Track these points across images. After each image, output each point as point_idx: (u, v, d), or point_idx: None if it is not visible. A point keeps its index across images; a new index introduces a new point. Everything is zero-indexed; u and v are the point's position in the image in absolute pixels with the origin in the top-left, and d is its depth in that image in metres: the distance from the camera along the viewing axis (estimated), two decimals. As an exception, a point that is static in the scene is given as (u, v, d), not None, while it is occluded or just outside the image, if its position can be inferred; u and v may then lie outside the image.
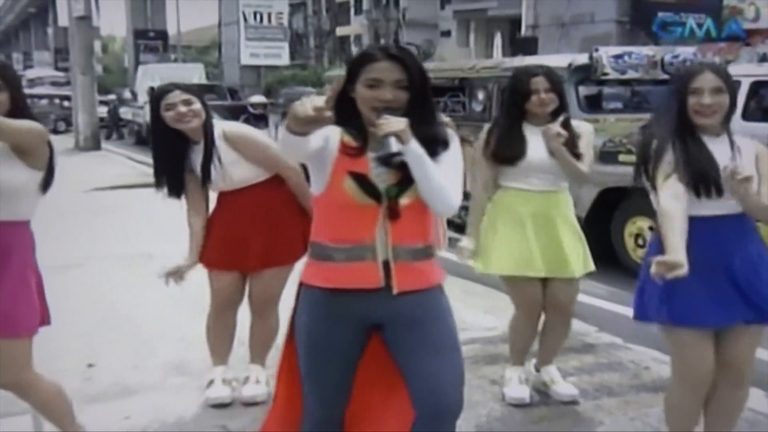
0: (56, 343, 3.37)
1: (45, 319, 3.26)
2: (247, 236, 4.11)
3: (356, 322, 2.66)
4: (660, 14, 20.21)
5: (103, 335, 5.20)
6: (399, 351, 2.69)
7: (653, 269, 2.75)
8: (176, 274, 4.09)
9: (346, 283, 2.59)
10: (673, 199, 2.99)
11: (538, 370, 4.41)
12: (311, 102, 2.32)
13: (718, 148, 3.09)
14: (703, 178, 3.04)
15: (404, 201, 2.57)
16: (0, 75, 3.08)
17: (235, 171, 4.05)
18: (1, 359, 3.08)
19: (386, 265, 2.58)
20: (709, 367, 3.16)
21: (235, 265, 4.18)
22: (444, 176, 2.56)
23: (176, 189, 4.09)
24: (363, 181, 2.56)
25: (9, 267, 3.08)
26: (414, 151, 2.48)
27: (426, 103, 2.64)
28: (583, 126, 4.19)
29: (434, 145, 2.59)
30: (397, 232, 2.58)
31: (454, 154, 2.67)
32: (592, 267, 4.25)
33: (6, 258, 3.07)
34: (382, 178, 2.57)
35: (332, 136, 2.59)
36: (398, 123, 2.46)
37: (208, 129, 4.04)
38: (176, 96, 3.94)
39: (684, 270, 2.74)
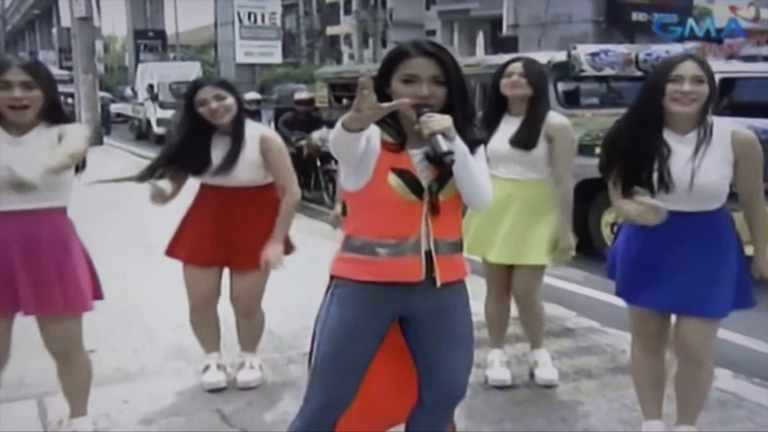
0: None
1: (100, 294, 3.41)
2: (235, 234, 4.00)
3: (391, 314, 2.62)
4: (657, 15, 20.24)
5: (105, 321, 5.09)
6: (422, 340, 2.66)
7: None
8: (160, 197, 3.93)
9: (390, 277, 2.52)
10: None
11: None
12: (366, 102, 2.24)
13: (681, 148, 3.06)
14: (636, 176, 3.07)
15: (443, 196, 2.52)
16: (32, 73, 3.07)
17: (248, 171, 3.95)
18: (63, 332, 3.26)
19: (429, 259, 2.53)
20: (661, 334, 3.32)
21: (218, 260, 4.07)
22: (482, 173, 2.54)
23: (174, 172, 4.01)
24: (408, 178, 2.50)
25: (71, 250, 3.23)
26: (460, 149, 2.42)
27: (466, 100, 2.58)
28: (555, 121, 4.01)
29: (474, 142, 2.55)
30: (438, 226, 2.54)
31: (481, 154, 2.63)
32: (526, 260, 4.07)
33: (67, 242, 3.22)
34: (424, 175, 2.51)
35: (373, 133, 2.50)
36: (444, 121, 2.39)
37: (237, 123, 3.94)
38: (208, 91, 3.86)
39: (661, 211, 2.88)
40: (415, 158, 2.51)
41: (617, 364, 4.53)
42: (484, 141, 2.62)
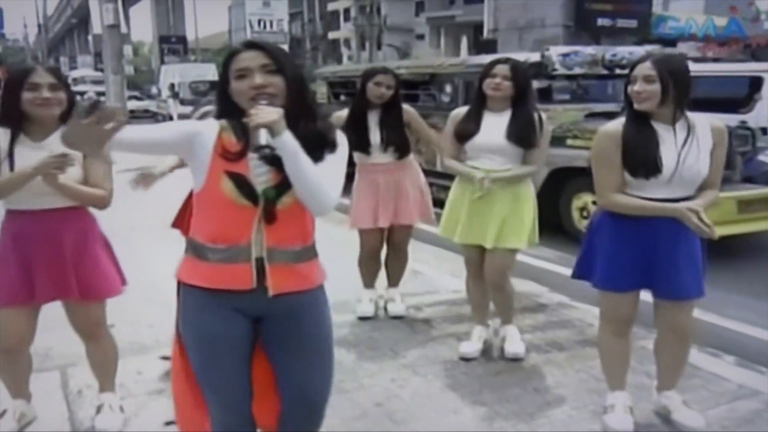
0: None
1: (124, 281, 3.33)
2: None
3: (240, 316, 2.25)
4: (659, 18, 20.04)
5: (124, 297, 5.00)
6: (271, 347, 2.34)
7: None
8: (144, 181, 3.77)
9: (221, 283, 2.18)
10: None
11: None
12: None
13: (669, 137, 2.96)
14: (641, 159, 2.95)
15: (282, 204, 2.16)
16: (57, 77, 2.96)
17: None
18: (84, 316, 3.19)
19: (261, 266, 2.18)
20: (624, 315, 3.22)
21: None
22: (322, 175, 2.13)
23: None
24: (241, 182, 2.14)
25: (94, 241, 3.14)
26: (286, 145, 2.05)
27: (303, 95, 2.21)
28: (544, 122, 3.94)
29: (317, 143, 2.17)
30: (272, 234, 2.17)
31: (338, 157, 2.23)
32: (515, 244, 3.97)
33: (86, 236, 3.11)
34: (262, 180, 2.15)
35: (206, 132, 2.18)
36: (271, 113, 2.04)
37: None
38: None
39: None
40: (253, 162, 2.15)
41: (585, 337, 4.42)
42: (326, 138, 2.21)
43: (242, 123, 2.13)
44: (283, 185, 2.14)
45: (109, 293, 3.20)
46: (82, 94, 30.90)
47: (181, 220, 3.97)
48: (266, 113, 2.04)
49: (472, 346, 4.13)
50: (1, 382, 3.31)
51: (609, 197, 3.06)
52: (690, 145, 2.95)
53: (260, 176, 2.15)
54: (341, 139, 2.27)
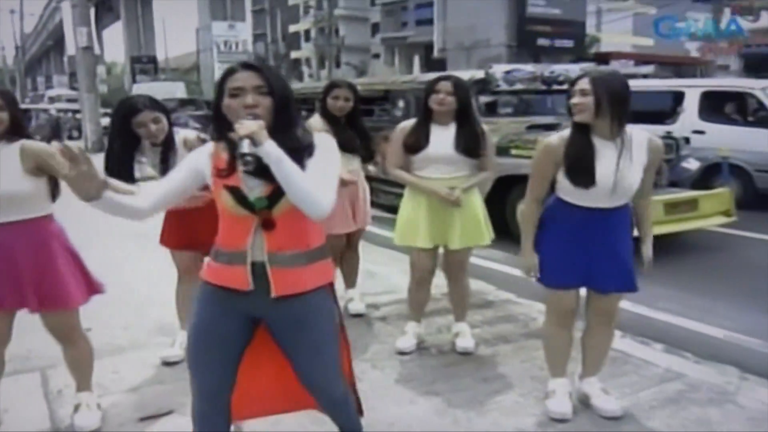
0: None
1: (96, 289, 3.24)
2: (198, 223, 3.78)
3: (240, 315, 2.32)
4: (557, 40, 20.29)
5: (101, 301, 4.94)
6: (281, 346, 2.39)
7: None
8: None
9: (223, 282, 2.28)
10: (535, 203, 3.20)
11: None
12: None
13: (607, 152, 3.00)
14: (579, 170, 3.00)
15: (278, 211, 2.19)
16: (1, 96, 2.88)
17: None
18: (60, 323, 3.14)
19: (264, 270, 2.22)
20: (569, 308, 3.26)
21: (189, 245, 3.90)
22: (311, 179, 2.13)
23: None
24: (237, 194, 2.20)
25: (51, 254, 3.02)
26: (270, 153, 2.06)
27: (286, 109, 2.22)
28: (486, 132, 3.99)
29: (298, 150, 2.18)
30: (272, 240, 2.21)
31: (324, 158, 2.23)
32: (481, 241, 4.05)
33: (47, 247, 3.01)
34: (256, 191, 2.20)
35: (200, 157, 2.28)
36: (251, 125, 2.07)
37: (169, 136, 3.72)
38: (146, 116, 3.57)
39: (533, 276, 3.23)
40: (244, 174, 2.19)
41: (529, 331, 4.48)
42: (306, 142, 2.23)
43: (230, 139, 2.16)
44: (276, 194, 2.17)
45: (69, 304, 3.08)
46: (57, 111, 30.47)
47: (164, 237, 4.03)
48: (248, 125, 2.07)
49: (407, 342, 4.15)
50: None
51: (528, 204, 3.20)
52: (624, 159, 2.99)
53: (253, 187, 2.19)
54: (327, 141, 2.30)
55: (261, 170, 2.10)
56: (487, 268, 5.76)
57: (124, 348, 4.27)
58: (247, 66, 2.22)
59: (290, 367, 2.41)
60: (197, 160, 2.29)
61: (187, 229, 3.87)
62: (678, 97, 10.12)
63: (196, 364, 2.37)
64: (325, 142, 2.29)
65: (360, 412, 2.64)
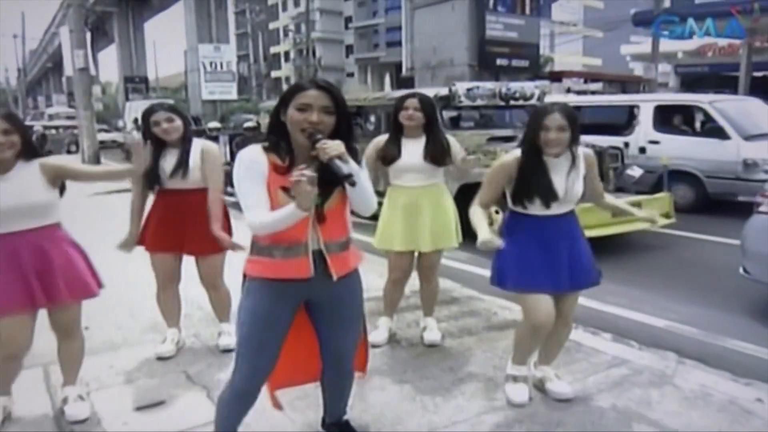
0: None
1: (99, 283, 3.25)
2: (185, 227, 3.82)
3: (293, 302, 2.43)
4: (514, 60, 20.47)
5: (95, 303, 4.89)
6: (320, 321, 2.52)
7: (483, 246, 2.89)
8: (126, 246, 3.93)
9: (285, 274, 2.34)
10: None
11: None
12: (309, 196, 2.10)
13: (558, 167, 3.06)
14: (541, 189, 3.05)
15: (328, 207, 2.32)
16: (11, 122, 2.90)
17: (195, 174, 3.78)
18: (67, 318, 3.17)
19: (322, 258, 2.34)
20: (549, 314, 3.14)
21: (173, 248, 3.90)
22: (370, 185, 2.34)
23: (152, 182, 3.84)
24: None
25: (69, 251, 3.09)
26: (354, 168, 2.19)
27: (349, 127, 2.34)
28: (451, 139, 4.00)
29: (356, 160, 2.32)
30: (326, 231, 2.34)
31: (364, 169, 2.41)
32: (450, 244, 4.07)
33: (65, 246, 3.09)
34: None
35: (257, 159, 2.28)
36: (338, 146, 2.15)
37: (186, 139, 3.81)
38: (160, 115, 3.74)
39: (497, 242, 2.91)
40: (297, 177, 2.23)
41: (491, 324, 4.51)
42: (358, 155, 2.38)
43: (288, 146, 2.27)
44: (327, 193, 2.28)
45: (93, 292, 3.17)
46: (56, 128, 30.09)
47: (143, 238, 3.96)
48: (335, 146, 2.15)
49: (381, 335, 4.15)
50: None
51: (475, 205, 3.15)
52: (573, 172, 3.07)
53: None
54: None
55: (353, 183, 2.16)
56: (453, 267, 5.81)
57: (118, 345, 4.23)
58: (318, 86, 2.25)
59: (308, 340, 2.56)
60: (259, 170, 2.27)
61: (170, 231, 3.85)
62: (634, 111, 10.18)
63: (255, 348, 2.40)
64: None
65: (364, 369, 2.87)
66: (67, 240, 3.13)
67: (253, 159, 2.28)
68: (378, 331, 4.19)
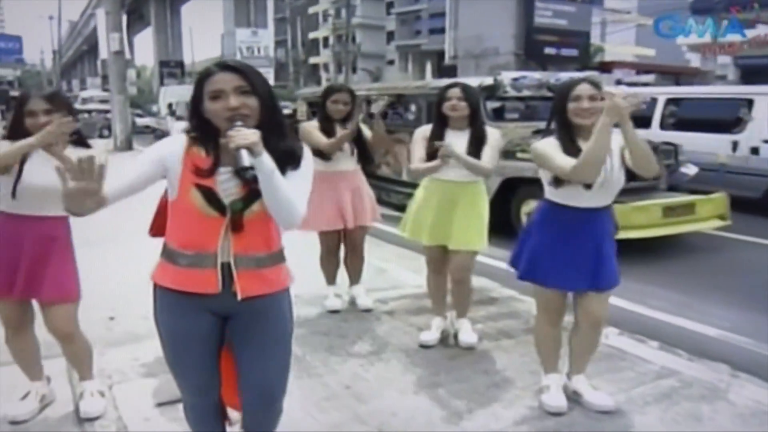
0: (88, 299, 3.21)
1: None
2: None
3: (208, 315, 2.14)
4: (563, 50, 20.16)
5: (123, 293, 4.97)
6: (235, 344, 2.21)
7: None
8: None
9: (189, 287, 2.07)
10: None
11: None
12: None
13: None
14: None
15: (249, 214, 2.05)
16: (51, 102, 2.89)
17: None
18: (62, 319, 3.07)
19: (229, 272, 2.06)
20: (559, 306, 3.23)
21: None
22: (292, 190, 1.99)
23: None
24: (209, 195, 2.02)
25: (68, 247, 3.07)
26: (266, 165, 1.91)
27: (275, 115, 2.05)
28: (491, 132, 3.90)
29: (287, 159, 2.03)
30: (239, 242, 2.05)
31: (305, 169, 2.09)
32: (477, 247, 3.98)
33: (65, 241, 3.06)
34: (230, 192, 2.03)
35: (174, 148, 2.05)
36: (250, 135, 1.89)
37: None
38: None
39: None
40: (222, 176, 2.03)
41: (530, 326, 4.39)
42: (296, 154, 2.08)
43: (214, 140, 2.03)
44: (250, 197, 2.03)
45: (73, 296, 3.08)
46: (89, 111, 30.65)
47: (156, 226, 3.93)
48: (246, 135, 1.89)
49: (431, 335, 4.11)
50: (19, 367, 3.28)
51: (571, 163, 2.87)
52: (611, 157, 2.95)
53: (227, 189, 2.04)
54: (306, 153, 2.14)
55: (254, 178, 1.93)
56: (491, 266, 5.71)
57: (143, 336, 4.23)
58: (225, 67, 2.02)
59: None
60: (166, 156, 2.05)
61: None
62: (745, 105, 9.24)
63: (177, 368, 2.23)
64: (308, 155, 2.14)
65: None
66: (69, 233, 3.11)
67: (167, 147, 2.07)
68: (429, 332, 4.14)
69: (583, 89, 2.92)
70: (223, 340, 2.23)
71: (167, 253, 2.14)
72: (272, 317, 2.18)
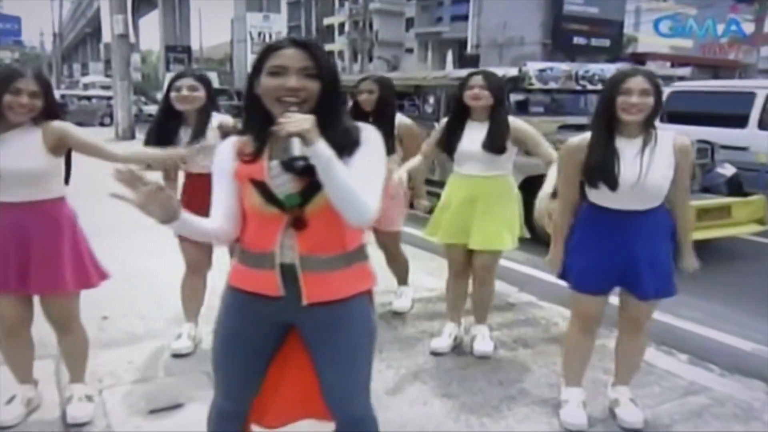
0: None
1: (102, 275, 3.20)
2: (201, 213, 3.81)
3: (269, 322, 2.09)
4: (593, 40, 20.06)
5: (120, 290, 4.97)
6: (311, 354, 2.11)
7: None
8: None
9: (252, 287, 2.03)
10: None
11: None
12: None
13: (630, 150, 2.91)
14: (600, 173, 2.91)
15: (312, 209, 1.92)
16: (40, 84, 2.89)
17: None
18: (59, 310, 3.11)
19: (293, 274, 1.98)
20: (598, 317, 3.19)
21: None
22: (358, 181, 1.85)
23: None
24: (264, 190, 1.93)
25: (60, 237, 3.00)
26: (321, 154, 1.78)
27: (335, 99, 1.95)
28: (517, 122, 3.88)
29: (346, 145, 1.90)
30: (305, 241, 1.95)
31: (371, 156, 1.94)
32: (501, 246, 3.94)
33: (56, 230, 3.00)
34: (286, 186, 1.92)
35: (222, 152, 2.04)
36: (303, 121, 1.77)
37: (203, 113, 3.80)
38: (184, 81, 3.78)
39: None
40: (273, 169, 1.94)
41: (550, 335, 4.39)
42: (356, 138, 1.95)
43: (263, 124, 1.93)
44: (310, 190, 1.90)
45: (63, 288, 3.03)
46: (89, 98, 30.80)
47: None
48: (299, 122, 1.77)
49: (443, 342, 4.08)
50: (8, 369, 3.26)
51: (560, 211, 3.14)
52: (650, 158, 2.89)
53: (280, 183, 1.93)
54: (374, 136, 1.99)
55: (305, 170, 1.83)
56: (509, 268, 5.68)
57: (140, 337, 4.27)
58: (294, 42, 1.91)
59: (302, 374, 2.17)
60: (223, 161, 2.03)
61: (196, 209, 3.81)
62: None
63: (221, 369, 2.18)
64: (372, 137, 1.99)
65: None
66: (66, 220, 3.04)
67: (218, 159, 2.04)
68: (441, 338, 4.12)
69: (636, 83, 2.83)
70: (275, 351, 2.16)
71: (238, 252, 2.11)
72: (347, 325, 2.06)
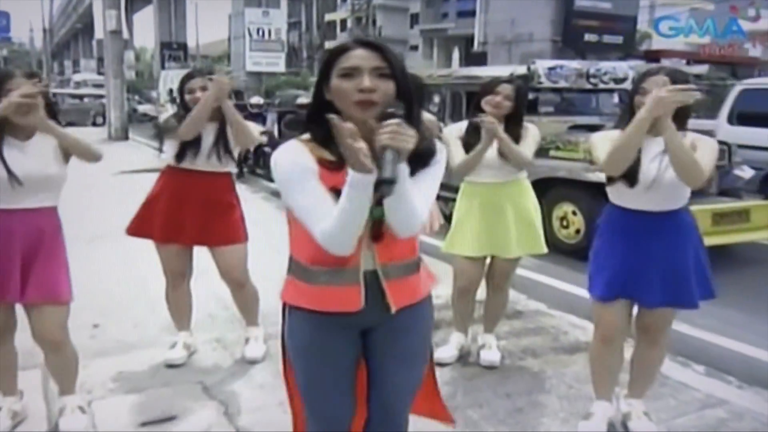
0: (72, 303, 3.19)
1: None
2: (188, 214, 3.80)
3: (349, 332, 2.07)
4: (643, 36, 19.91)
5: (111, 297, 4.99)
6: (373, 356, 2.13)
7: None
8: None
9: (330, 306, 1.98)
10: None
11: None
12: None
13: (653, 148, 2.89)
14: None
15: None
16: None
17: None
18: (51, 323, 3.05)
19: (376, 284, 1.98)
20: (617, 325, 3.13)
21: (175, 237, 3.85)
22: (418, 196, 1.84)
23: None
24: None
25: (58, 245, 3.05)
26: (403, 173, 1.74)
27: (412, 105, 1.87)
28: (530, 127, 3.89)
29: (419, 160, 1.87)
30: (384, 251, 1.96)
31: (435, 177, 1.95)
32: (539, 250, 3.99)
33: (55, 238, 3.05)
34: None
35: (300, 158, 1.89)
36: (409, 138, 1.70)
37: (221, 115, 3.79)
38: (196, 82, 3.79)
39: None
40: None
41: (560, 345, 4.38)
42: (432, 153, 1.94)
43: (330, 131, 1.76)
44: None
45: (63, 298, 3.06)
46: (81, 96, 30.85)
47: (145, 227, 3.91)
48: (405, 136, 1.70)
49: (448, 352, 4.07)
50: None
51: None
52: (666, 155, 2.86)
53: None
54: (444, 156, 2.00)
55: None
56: (517, 275, 5.64)
57: (133, 345, 4.27)
58: (363, 43, 1.89)
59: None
60: (306, 162, 1.89)
61: (181, 218, 3.82)
62: None
63: (315, 395, 2.13)
64: (444, 158, 1.99)
65: None
66: (59, 229, 3.10)
67: (295, 160, 1.90)
68: (447, 347, 4.11)
69: (656, 81, 2.85)
70: (358, 358, 2.15)
71: (299, 270, 2.03)
72: (418, 326, 2.13)
